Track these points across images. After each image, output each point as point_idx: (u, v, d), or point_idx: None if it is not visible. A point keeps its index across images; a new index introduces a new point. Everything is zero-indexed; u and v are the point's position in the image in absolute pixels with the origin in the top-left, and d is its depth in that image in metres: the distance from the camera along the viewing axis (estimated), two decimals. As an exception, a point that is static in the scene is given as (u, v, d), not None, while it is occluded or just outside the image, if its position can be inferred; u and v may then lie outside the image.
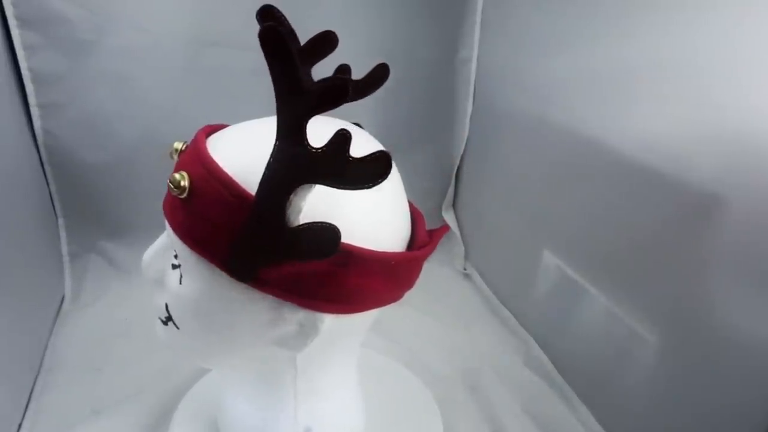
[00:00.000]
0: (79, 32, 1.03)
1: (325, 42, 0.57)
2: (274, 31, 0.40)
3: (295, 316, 0.50)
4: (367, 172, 0.41)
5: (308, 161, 0.42)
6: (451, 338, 1.07)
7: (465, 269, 1.33)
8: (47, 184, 1.12)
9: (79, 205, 1.15)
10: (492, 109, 1.23)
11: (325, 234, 0.44)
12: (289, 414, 0.62)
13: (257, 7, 1.14)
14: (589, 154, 0.87)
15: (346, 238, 0.45)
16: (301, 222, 0.44)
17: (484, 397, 0.91)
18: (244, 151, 0.49)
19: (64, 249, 1.17)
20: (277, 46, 0.41)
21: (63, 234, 1.16)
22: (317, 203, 0.46)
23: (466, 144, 1.33)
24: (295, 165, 0.42)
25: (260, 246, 0.46)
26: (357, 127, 0.58)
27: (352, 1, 1.12)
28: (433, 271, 1.30)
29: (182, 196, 0.49)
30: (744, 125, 0.62)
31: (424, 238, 0.56)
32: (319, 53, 0.57)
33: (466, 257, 1.36)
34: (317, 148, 0.41)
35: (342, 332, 0.56)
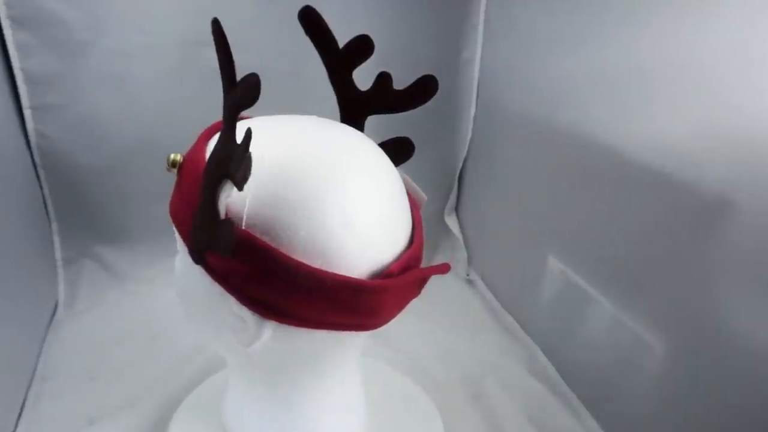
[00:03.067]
0: (74, 33, 1.03)
1: (362, 46, 0.58)
2: (216, 24, 0.42)
3: (241, 312, 0.51)
4: (245, 176, 0.43)
5: (226, 156, 0.43)
6: (453, 346, 1.07)
7: (468, 275, 1.34)
8: (40, 187, 1.12)
9: (73, 209, 1.16)
10: (496, 110, 1.23)
11: (224, 229, 0.45)
12: (254, 410, 0.66)
13: (253, 8, 1.15)
14: (595, 157, 0.87)
15: (283, 247, 0.47)
16: (245, 218, 0.47)
17: (488, 406, 0.92)
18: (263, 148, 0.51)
19: (58, 254, 1.17)
20: (218, 39, 0.43)
21: (56, 239, 1.16)
22: (271, 210, 0.48)
23: (469, 146, 1.34)
24: (219, 159, 0.44)
25: (200, 233, 0.48)
26: (368, 140, 0.58)
27: (353, 1, 1.13)
28: (435, 277, 1.30)
29: (174, 173, 0.54)
30: (756, 128, 0.62)
31: (394, 269, 0.52)
32: (357, 58, 0.59)
33: (469, 263, 1.36)
34: (238, 144, 0.43)
35: (311, 346, 0.57)
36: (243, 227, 0.48)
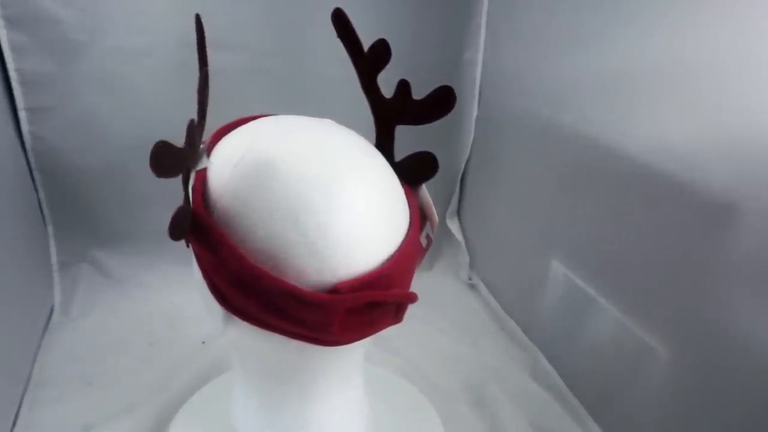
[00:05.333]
0: (70, 33, 1.03)
1: (383, 50, 0.58)
2: (197, 18, 0.47)
3: (214, 300, 0.53)
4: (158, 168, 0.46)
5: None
6: (455, 351, 1.08)
7: (470, 279, 1.34)
8: (36, 190, 1.12)
9: (69, 212, 1.16)
10: (498, 112, 1.23)
11: (182, 212, 0.48)
12: (250, 410, 0.67)
13: (250, 9, 1.14)
14: (599, 159, 0.87)
15: (242, 243, 0.49)
16: (217, 209, 0.51)
17: (490, 412, 0.92)
18: (236, 135, 0.55)
19: (54, 258, 1.17)
20: (197, 32, 0.46)
21: (52, 243, 1.16)
22: (238, 207, 0.50)
23: (471, 149, 1.34)
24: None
25: None
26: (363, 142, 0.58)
27: (354, 2, 1.13)
28: (436, 281, 1.31)
29: None
30: (762, 130, 0.62)
31: (341, 286, 0.49)
32: (380, 62, 0.59)
33: (471, 267, 1.36)
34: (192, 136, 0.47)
35: (284, 350, 0.56)
36: (215, 217, 0.50)
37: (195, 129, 0.48)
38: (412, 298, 0.55)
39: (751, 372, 0.64)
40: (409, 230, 0.56)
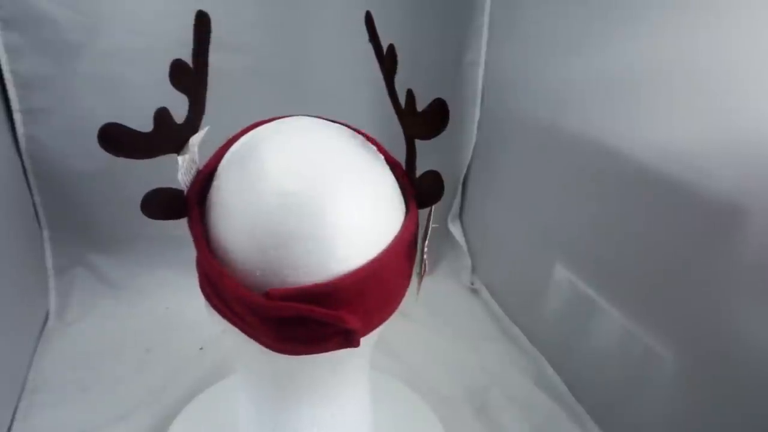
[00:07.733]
0: (66, 34, 1.03)
1: (393, 55, 0.57)
2: (199, 15, 0.51)
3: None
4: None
5: None
6: (457, 356, 1.08)
7: (472, 284, 1.34)
8: (31, 194, 1.12)
9: (65, 216, 1.15)
10: (501, 114, 1.23)
11: (167, 191, 0.52)
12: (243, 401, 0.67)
13: (250, 9, 1.14)
14: (604, 162, 0.87)
15: (211, 235, 0.52)
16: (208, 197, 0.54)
17: (493, 419, 0.92)
18: (249, 133, 0.58)
19: (49, 262, 1.16)
20: (196, 28, 0.51)
21: (48, 247, 1.16)
22: (215, 200, 0.53)
23: (473, 152, 1.34)
24: None
25: None
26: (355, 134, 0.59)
27: (355, 3, 1.13)
28: (438, 286, 1.30)
29: None
30: None
31: (273, 292, 0.47)
32: (393, 67, 0.57)
33: (474, 271, 1.36)
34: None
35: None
36: (206, 205, 0.54)
37: (165, 115, 0.53)
38: (344, 323, 0.49)
39: (758, 379, 0.64)
40: (382, 253, 0.52)
